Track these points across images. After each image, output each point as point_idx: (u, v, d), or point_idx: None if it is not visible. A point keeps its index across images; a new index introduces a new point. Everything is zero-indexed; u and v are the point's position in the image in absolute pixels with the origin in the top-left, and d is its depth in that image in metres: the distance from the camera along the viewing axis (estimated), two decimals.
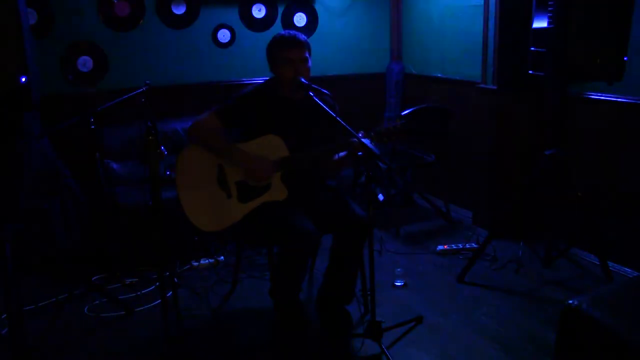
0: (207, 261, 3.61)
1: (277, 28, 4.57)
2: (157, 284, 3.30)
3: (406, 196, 4.72)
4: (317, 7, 4.72)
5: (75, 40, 4.03)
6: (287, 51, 2.64)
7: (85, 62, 4.08)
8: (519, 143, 3.89)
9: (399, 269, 3.36)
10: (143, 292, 3.29)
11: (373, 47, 5.00)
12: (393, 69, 4.95)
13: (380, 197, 4.45)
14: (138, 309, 3.10)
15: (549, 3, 2.74)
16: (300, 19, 4.68)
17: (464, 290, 3.24)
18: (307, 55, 2.68)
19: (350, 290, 2.87)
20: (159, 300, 3.00)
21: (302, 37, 2.68)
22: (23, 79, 2.48)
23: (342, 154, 2.73)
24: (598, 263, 3.25)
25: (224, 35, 4.44)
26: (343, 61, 4.89)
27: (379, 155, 2.38)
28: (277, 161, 2.67)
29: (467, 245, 3.76)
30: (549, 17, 2.76)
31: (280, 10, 4.59)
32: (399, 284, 3.31)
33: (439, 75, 4.62)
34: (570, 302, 1.90)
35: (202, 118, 2.70)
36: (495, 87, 3.85)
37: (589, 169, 3.48)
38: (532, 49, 2.91)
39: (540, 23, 2.84)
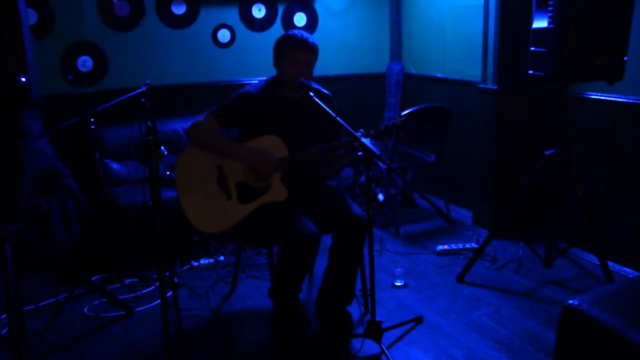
0: (207, 261, 3.61)
1: (277, 28, 4.57)
2: (157, 284, 3.30)
3: (406, 196, 4.72)
4: (317, 7, 4.72)
5: (75, 40, 4.03)
6: (295, 51, 2.64)
7: (85, 62, 4.08)
8: (519, 143, 3.89)
9: (399, 269, 3.36)
10: (143, 292, 3.29)
11: (373, 47, 5.00)
12: (393, 69, 4.95)
13: (380, 197, 4.45)
14: (138, 309, 3.10)
15: (549, 3, 2.74)
16: (300, 19, 4.68)
17: (464, 290, 3.24)
18: (313, 59, 2.69)
19: (350, 290, 2.86)
20: (159, 300, 3.00)
21: (313, 41, 2.68)
22: (23, 79, 2.47)
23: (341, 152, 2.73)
24: (598, 263, 3.25)
25: (224, 35, 4.44)
26: (343, 61, 4.89)
27: (379, 155, 2.38)
28: (277, 161, 2.67)
29: (467, 245, 3.76)
30: (549, 17, 2.75)
31: (280, 10, 4.59)
32: (399, 284, 3.31)
33: (439, 75, 4.62)
34: (570, 302, 1.90)
35: (200, 119, 2.71)
36: (495, 87, 3.85)
37: (589, 169, 3.48)
38: (532, 49, 2.91)
39: (540, 23, 2.84)
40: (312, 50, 2.67)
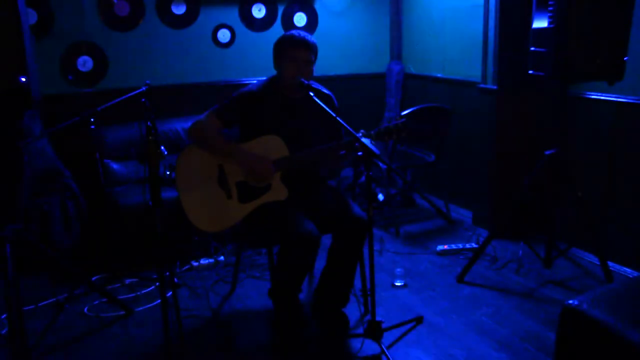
0: (207, 261, 3.61)
1: (277, 28, 4.57)
2: (157, 284, 3.30)
3: (406, 196, 4.72)
4: (317, 7, 4.72)
5: (75, 40, 4.03)
6: (294, 50, 2.65)
7: (85, 62, 4.08)
8: (519, 143, 3.89)
9: (399, 269, 3.36)
10: (143, 292, 3.29)
11: (373, 47, 5.00)
12: (393, 69, 4.95)
13: (380, 197, 4.45)
14: (138, 309, 3.10)
15: (549, 3, 2.74)
16: (300, 19, 4.68)
17: (464, 290, 3.24)
18: (313, 58, 2.70)
19: (346, 292, 2.85)
20: (159, 300, 3.00)
21: (312, 39, 2.69)
22: (23, 79, 2.48)
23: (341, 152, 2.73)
24: (598, 263, 3.25)
25: (224, 35, 4.44)
26: (343, 61, 4.89)
27: (379, 155, 2.38)
28: (277, 160, 2.67)
29: (467, 245, 3.76)
30: (549, 17, 2.75)
31: (280, 10, 4.59)
32: (399, 284, 3.31)
33: (439, 75, 4.62)
34: (570, 302, 1.90)
35: (202, 118, 2.71)
36: (495, 87, 3.85)
37: (589, 169, 3.48)
38: (532, 49, 2.91)
39: (540, 23, 2.84)
40: (311, 49, 2.67)
